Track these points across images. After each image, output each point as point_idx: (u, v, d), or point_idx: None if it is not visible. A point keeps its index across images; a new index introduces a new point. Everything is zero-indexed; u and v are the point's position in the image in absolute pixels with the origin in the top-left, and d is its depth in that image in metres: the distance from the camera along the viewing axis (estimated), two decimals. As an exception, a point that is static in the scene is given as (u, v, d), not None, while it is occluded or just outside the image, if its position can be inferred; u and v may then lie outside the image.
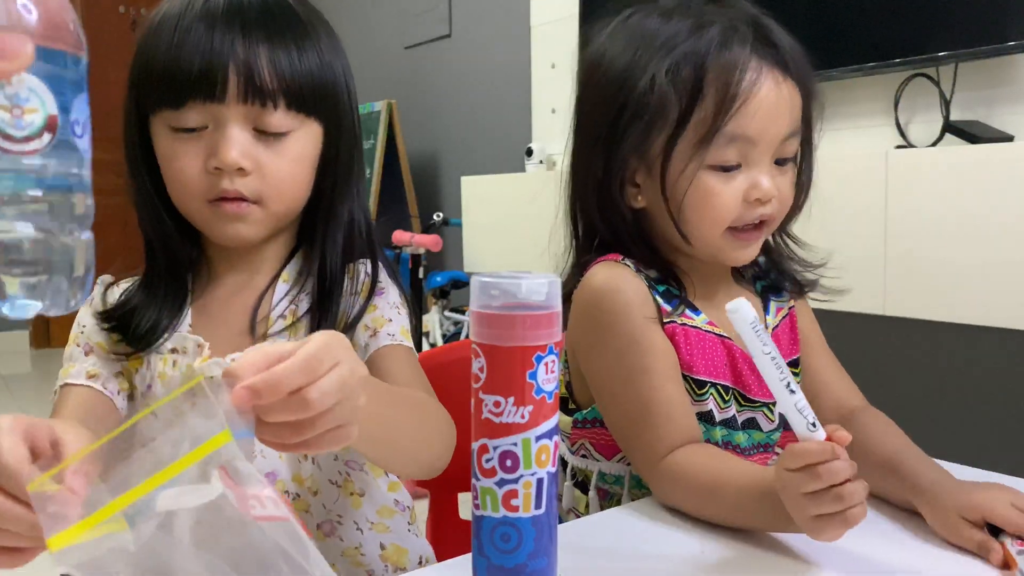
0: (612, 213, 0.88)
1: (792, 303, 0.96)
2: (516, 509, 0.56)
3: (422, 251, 3.22)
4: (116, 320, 0.84)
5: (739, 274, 0.96)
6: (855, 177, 1.99)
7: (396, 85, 3.99)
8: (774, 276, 0.97)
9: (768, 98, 0.81)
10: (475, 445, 0.56)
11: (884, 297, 1.93)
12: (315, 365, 0.50)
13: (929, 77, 2.06)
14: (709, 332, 0.88)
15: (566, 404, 0.94)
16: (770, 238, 0.94)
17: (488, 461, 0.56)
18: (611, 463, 0.90)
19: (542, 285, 0.55)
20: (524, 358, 0.54)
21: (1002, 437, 1.93)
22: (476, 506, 0.57)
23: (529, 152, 3.17)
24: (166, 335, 0.83)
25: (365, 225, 0.88)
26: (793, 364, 0.94)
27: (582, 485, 0.93)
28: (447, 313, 3.30)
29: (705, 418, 0.86)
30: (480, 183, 3.28)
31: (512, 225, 3.05)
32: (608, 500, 0.92)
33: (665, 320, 0.86)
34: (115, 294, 0.87)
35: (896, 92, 2.12)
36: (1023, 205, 1.72)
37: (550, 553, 0.57)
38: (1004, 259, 1.75)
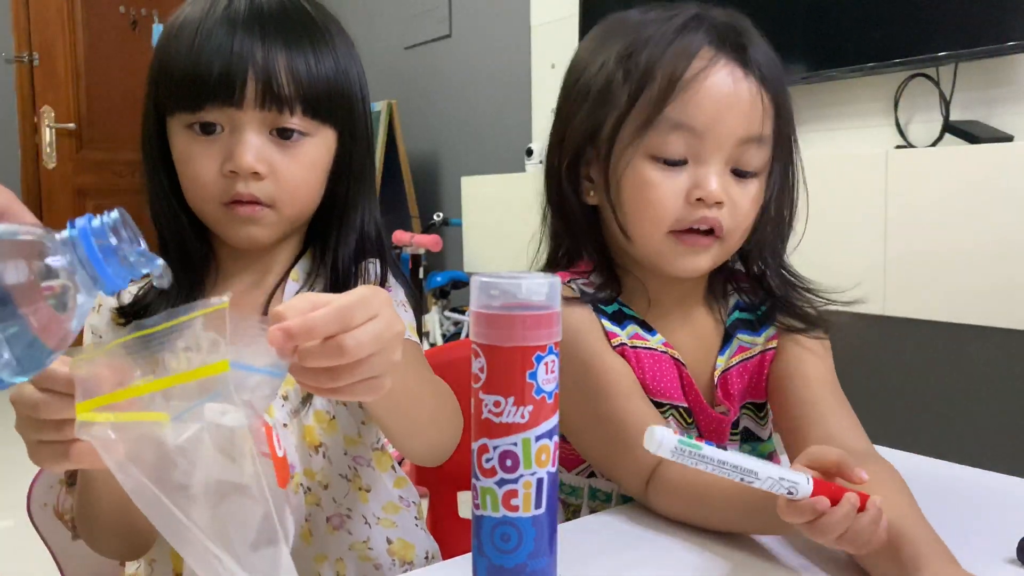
0: (566, 209, 0.86)
1: (772, 345, 0.88)
2: (516, 509, 0.56)
3: (422, 251, 3.22)
4: (131, 317, 0.85)
5: (708, 296, 0.90)
6: (855, 177, 1.99)
7: (396, 85, 3.99)
8: (766, 308, 0.89)
9: (719, 90, 0.77)
10: (475, 445, 0.57)
11: (884, 297, 1.93)
12: (350, 315, 0.52)
13: (929, 77, 2.06)
14: (664, 353, 0.84)
15: None
16: (771, 279, 0.88)
17: (488, 461, 0.56)
18: (570, 475, 0.89)
19: (542, 285, 0.55)
20: (524, 358, 0.54)
21: (1002, 437, 1.93)
22: (476, 506, 0.57)
23: (529, 152, 3.17)
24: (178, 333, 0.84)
25: (375, 229, 0.90)
26: (758, 408, 0.90)
27: None
28: (447, 313, 3.30)
29: None
30: (480, 183, 3.28)
31: (512, 225, 3.04)
32: (566, 510, 0.90)
33: (614, 344, 0.82)
34: (126, 294, 0.88)
35: (896, 92, 2.12)
36: (1023, 205, 1.72)
37: (550, 553, 0.57)
38: (1004, 259, 1.75)
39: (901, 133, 2.14)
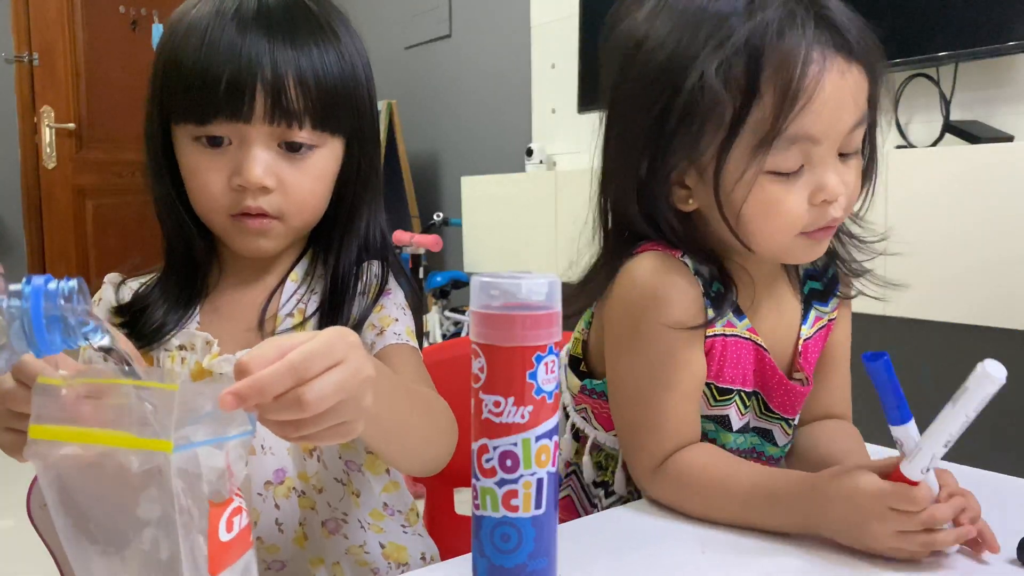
0: (657, 217, 0.81)
1: (833, 315, 0.91)
2: (516, 509, 0.56)
3: (422, 251, 3.21)
4: (128, 316, 0.85)
5: (790, 271, 0.89)
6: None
7: (396, 85, 3.99)
8: (830, 275, 0.91)
9: (834, 93, 0.72)
10: (475, 445, 0.56)
11: (884, 297, 1.93)
12: (307, 367, 0.50)
13: (929, 77, 2.06)
14: (747, 339, 0.83)
15: (577, 365, 0.91)
16: (838, 247, 0.90)
17: (488, 461, 0.56)
18: (608, 435, 0.90)
19: (542, 285, 0.55)
20: (524, 358, 0.54)
21: (1002, 437, 1.93)
22: (476, 506, 0.57)
23: (529, 152, 3.17)
24: (173, 331, 0.84)
25: (380, 233, 0.90)
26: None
27: (579, 438, 0.93)
28: (447, 313, 3.30)
29: (722, 423, 0.85)
30: (480, 183, 3.28)
31: (512, 225, 3.04)
32: (603, 472, 0.91)
33: (709, 335, 0.81)
34: (125, 292, 0.88)
35: (896, 92, 2.12)
36: (1023, 205, 1.72)
37: (550, 553, 0.57)
38: (1004, 259, 1.75)
39: (901, 133, 2.14)
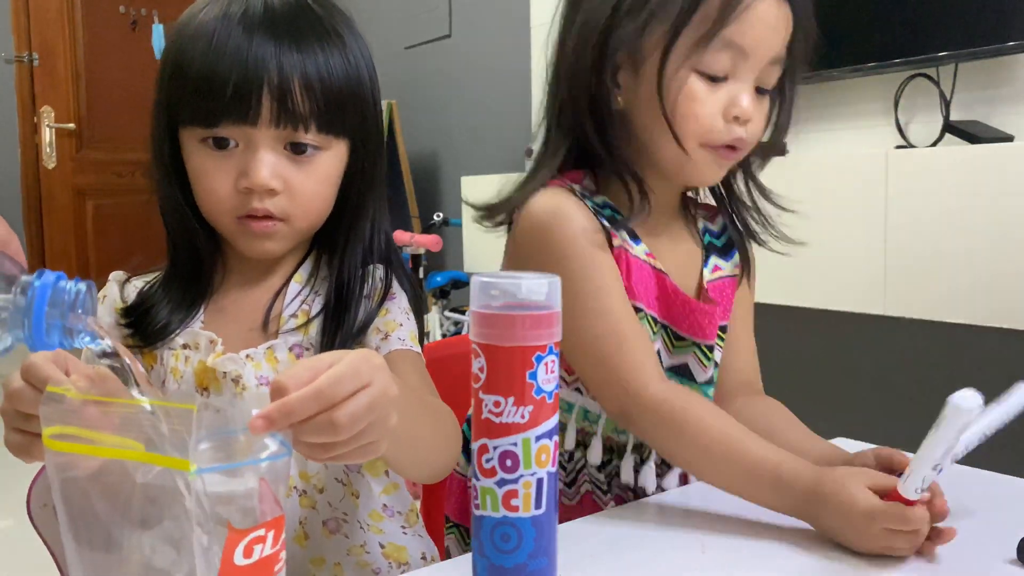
0: (598, 111, 0.86)
1: (735, 272, 0.96)
2: (516, 509, 0.56)
3: (422, 251, 3.21)
4: (133, 316, 0.85)
5: (687, 215, 0.96)
6: (855, 177, 1.99)
7: (396, 85, 3.99)
8: (727, 238, 0.97)
9: (768, 12, 0.81)
10: (475, 445, 0.57)
11: (884, 297, 1.93)
12: (335, 391, 0.51)
13: (929, 77, 2.06)
14: (647, 263, 0.88)
15: None
16: (740, 184, 0.94)
17: (488, 461, 0.56)
18: (563, 390, 0.90)
19: (542, 285, 0.55)
20: (524, 358, 0.54)
21: (1002, 437, 1.93)
22: (476, 506, 0.57)
23: (529, 152, 3.16)
24: (177, 330, 0.84)
25: (384, 236, 0.90)
26: (722, 330, 0.94)
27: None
28: (447, 313, 3.30)
29: None
30: (480, 183, 3.28)
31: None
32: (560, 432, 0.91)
33: (614, 245, 0.85)
34: (130, 290, 0.89)
35: (896, 92, 2.12)
36: (1023, 205, 1.72)
37: (550, 553, 0.57)
38: (1004, 259, 1.75)
39: (901, 133, 2.14)
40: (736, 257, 0.97)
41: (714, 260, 0.95)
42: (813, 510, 0.71)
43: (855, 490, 0.69)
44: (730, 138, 0.83)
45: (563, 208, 0.85)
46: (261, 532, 0.48)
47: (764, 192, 0.94)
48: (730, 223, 0.97)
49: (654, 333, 0.88)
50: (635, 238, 0.88)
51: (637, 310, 0.86)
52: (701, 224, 0.97)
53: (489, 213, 0.93)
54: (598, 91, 0.85)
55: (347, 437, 0.52)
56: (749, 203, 0.95)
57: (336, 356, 0.53)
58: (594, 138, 0.87)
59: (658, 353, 0.88)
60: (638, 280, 0.86)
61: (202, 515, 0.47)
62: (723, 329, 0.94)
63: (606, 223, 0.86)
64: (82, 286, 0.53)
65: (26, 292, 0.52)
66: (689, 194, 0.97)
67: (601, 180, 0.90)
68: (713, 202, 0.98)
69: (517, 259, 0.89)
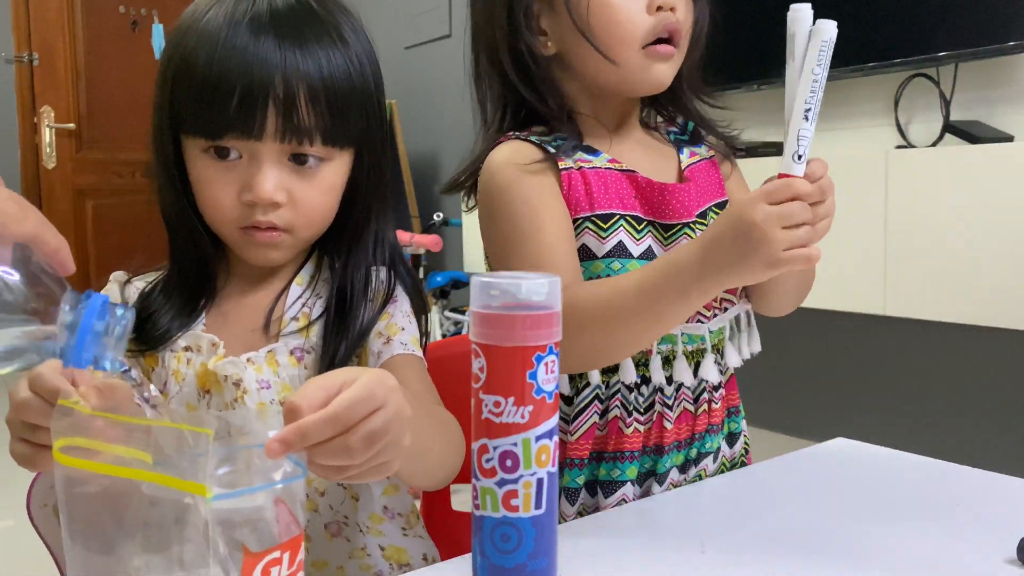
0: (525, 63, 0.88)
1: (710, 154, 0.98)
2: (516, 509, 0.56)
3: (422, 251, 3.22)
4: (136, 318, 0.85)
5: (650, 126, 0.99)
6: (855, 177, 1.99)
7: (396, 85, 3.99)
8: (691, 129, 0.99)
9: None
10: (475, 445, 0.57)
11: (884, 297, 1.93)
12: (350, 415, 0.52)
13: (929, 77, 2.06)
14: (611, 169, 0.89)
15: None
16: (691, 103, 0.96)
17: (488, 461, 0.56)
18: None
19: (542, 285, 0.55)
20: (524, 358, 0.54)
21: (1002, 437, 1.93)
22: (476, 506, 0.57)
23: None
24: (179, 333, 0.84)
25: (387, 240, 0.90)
26: (719, 207, 0.94)
27: None
28: (447, 313, 3.30)
29: (618, 253, 0.86)
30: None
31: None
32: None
33: (563, 168, 0.86)
34: (131, 290, 0.88)
35: (896, 92, 2.12)
36: (1023, 205, 1.72)
37: (550, 553, 0.57)
38: (1004, 259, 1.75)
39: (901, 133, 2.14)
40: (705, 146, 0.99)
41: (688, 149, 0.97)
42: (715, 249, 0.71)
43: (736, 198, 0.70)
44: (663, 28, 0.84)
45: (513, 154, 0.87)
46: (276, 554, 0.48)
47: (700, 94, 0.96)
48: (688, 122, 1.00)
49: (639, 231, 0.88)
50: (592, 151, 0.90)
51: (609, 218, 0.87)
52: (665, 130, 1.00)
53: (454, 184, 0.96)
54: (521, 45, 0.87)
55: (361, 460, 0.53)
56: (693, 111, 0.97)
57: (349, 375, 0.54)
58: (527, 92, 0.89)
59: (650, 249, 0.88)
60: (606, 188, 0.87)
61: (217, 540, 0.47)
62: (720, 206, 0.94)
63: (551, 149, 0.87)
64: (130, 313, 0.54)
65: (75, 306, 0.53)
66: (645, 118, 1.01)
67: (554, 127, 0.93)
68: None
69: (479, 215, 0.91)
